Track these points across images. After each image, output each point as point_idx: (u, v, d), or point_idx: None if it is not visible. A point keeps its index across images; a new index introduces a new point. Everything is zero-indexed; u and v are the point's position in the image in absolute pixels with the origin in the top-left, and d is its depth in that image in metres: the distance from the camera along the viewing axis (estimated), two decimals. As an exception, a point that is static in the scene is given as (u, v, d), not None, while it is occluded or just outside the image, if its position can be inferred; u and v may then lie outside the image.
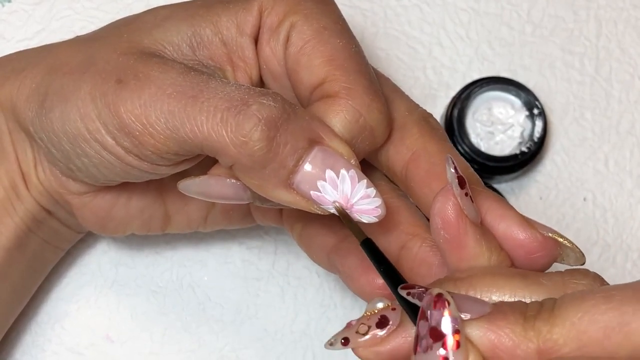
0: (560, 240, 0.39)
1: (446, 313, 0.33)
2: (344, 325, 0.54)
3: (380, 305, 0.37)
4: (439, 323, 0.33)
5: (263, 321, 0.55)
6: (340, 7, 0.44)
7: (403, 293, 0.35)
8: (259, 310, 0.55)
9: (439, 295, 0.33)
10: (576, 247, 0.39)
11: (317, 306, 0.56)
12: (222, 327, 0.55)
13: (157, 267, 0.55)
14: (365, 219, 0.40)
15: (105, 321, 0.54)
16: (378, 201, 0.40)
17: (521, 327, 0.33)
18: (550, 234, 0.39)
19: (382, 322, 0.36)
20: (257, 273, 0.56)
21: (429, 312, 0.33)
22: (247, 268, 0.56)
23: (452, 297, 0.33)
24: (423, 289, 0.34)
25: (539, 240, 0.38)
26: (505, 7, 0.59)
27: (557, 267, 0.47)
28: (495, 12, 0.59)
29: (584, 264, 0.40)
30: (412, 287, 0.35)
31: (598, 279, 0.36)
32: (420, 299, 0.34)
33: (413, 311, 0.35)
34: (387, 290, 0.43)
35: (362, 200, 0.40)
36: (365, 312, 0.37)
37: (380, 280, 0.43)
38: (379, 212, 0.40)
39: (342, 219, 0.40)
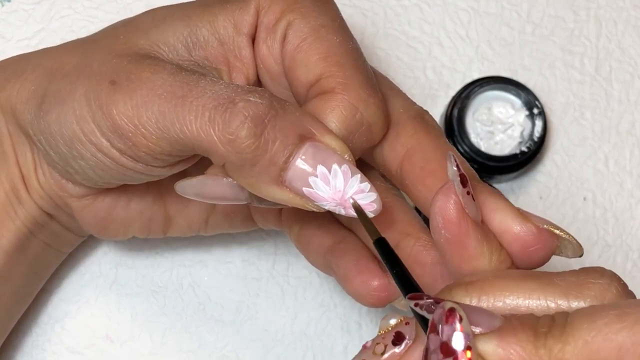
0: (557, 232, 0.39)
1: (458, 328, 0.32)
2: (344, 326, 0.55)
3: (393, 321, 0.37)
4: (450, 338, 0.32)
5: (263, 321, 0.55)
6: (340, 6, 0.44)
7: (411, 304, 0.34)
8: (259, 310, 0.55)
9: (451, 310, 0.32)
10: (573, 238, 0.39)
11: (317, 306, 0.55)
12: (222, 327, 0.55)
13: (157, 267, 0.55)
14: None
15: (105, 321, 0.54)
16: (373, 196, 0.40)
17: (532, 345, 0.32)
18: (545, 226, 0.39)
19: (398, 339, 0.36)
20: (257, 273, 0.56)
21: (440, 326, 0.32)
22: (247, 268, 0.56)
23: (463, 310, 0.33)
24: (432, 301, 0.33)
25: (534, 232, 0.38)
26: (505, 7, 0.59)
27: (559, 264, 0.47)
28: (495, 12, 0.59)
29: (582, 255, 0.39)
30: (421, 297, 0.34)
31: (615, 278, 0.35)
32: (429, 311, 0.33)
33: (424, 319, 0.34)
34: (383, 292, 0.43)
35: (356, 195, 0.39)
36: (380, 331, 0.37)
37: (375, 282, 0.43)
38: (374, 206, 0.40)
39: (357, 215, 0.39)
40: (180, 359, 0.54)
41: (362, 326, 0.55)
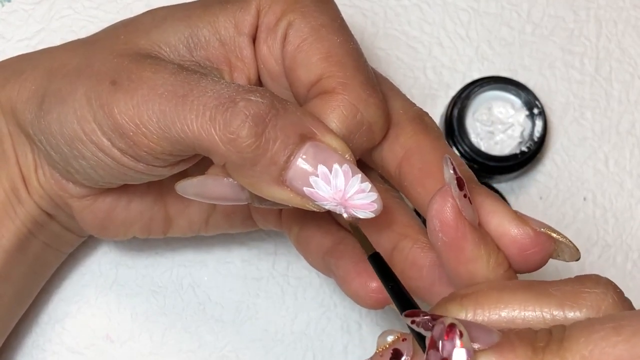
0: (554, 235, 0.39)
1: (458, 344, 0.32)
2: (344, 327, 0.55)
3: (390, 338, 0.37)
4: (450, 355, 0.32)
5: (263, 321, 0.55)
6: (340, 7, 0.44)
7: (407, 321, 0.34)
8: (259, 310, 0.55)
9: (452, 326, 0.32)
10: (570, 242, 0.39)
11: (317, 306, 0.56)
12: (222, 327, 0.55)
13: (157, 267, 0.55)
14: (361, 214, 0.40)
15: (105, 321, 0.54)
16: (374, 195, 0.39)
17: None
18: (543, 229, 0.38)
19: (396, 356, 0.36)
20: (257, 273, 0.56)
21: (440, 342, 0.32)
22: (247, 268, 0.56)
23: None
24: (428, 317, 0.33)
25: (532, 236, 0.38)
26: (505, 7, 0.59)
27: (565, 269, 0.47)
28: (495, 12, 0.59)
29: (579, 259, 0.39)
30: (417, 314, 0.34)
31: (610, 286, 0.35)
32: (426, 328, 0.33)
33: (421, 335, 0.34)
34: (381, 294, 0.43)
35: (356, 195, 0.39)
36: (378, 349, 0.37)
37: (374, 284, 0.43)
38: (375, 206, 0.40)
39: (351, 230, 0.40)
40: (180, 359, 0.54)
41: (362, 326, 0.55)
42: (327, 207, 0.40)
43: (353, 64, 0.41)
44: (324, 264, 0.46)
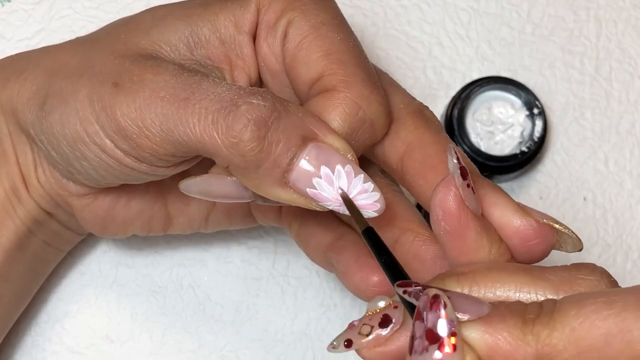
0: (557, 226, 0.39)
1: (442, 315, 0.32)
2: (345, 325, 0.55)
3: (381, 304, 0.36)
4: (434, 325, 0.32)
5: (263, 321, 0.55)
6: (340, 6, 0.44)
7: (400, 291, 0.34)
8: (259, 310, 0.55)
9: (435, 297, 0.32)
10: (573, 232, 0.39)
11: (317, 306, 0.55)
12: (222, 327, 0.55)
13: (157, 267, 0.55)
14: (365, 214, 0.40)
15: (105, 321, 0.54)
16: (376, 195, 0.40)
17: (520, 331, 0.32)
18: (545, 220, 0.39)
19: (385, 321, 0.36)
20: (257, 273, 0.56)
21: (425, 313, 0.32)
22: (247, 268, 0.56)
23: (449, 296, 0.33)
24: (420, 288, 0.34)
25: (534, 226, 0.38)
26: (505, 7, 0.59)
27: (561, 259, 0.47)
28: (495, 12, 0.59)
29: (581, 249, 0.40)
30: (410, 284, 0.34)
31: (605, 275, 0.35)
32: (417, 298, 0.33)
33: (412, 306, 0.34)
34: (382, 288, 0.43)
35: (359, 195, 0.39)
36: (367, 312, 0.36)
37: (375, 278, 0.43)
38: (378, 206, 0.40)
39: (345, 206, 0.40)
40: (180, 359, 0.54)
41: (362, 326, 0.55)
42: (330, 207, 0.40)
43: (354, 61, 0.41)
44: (325, 259, 0.46)
